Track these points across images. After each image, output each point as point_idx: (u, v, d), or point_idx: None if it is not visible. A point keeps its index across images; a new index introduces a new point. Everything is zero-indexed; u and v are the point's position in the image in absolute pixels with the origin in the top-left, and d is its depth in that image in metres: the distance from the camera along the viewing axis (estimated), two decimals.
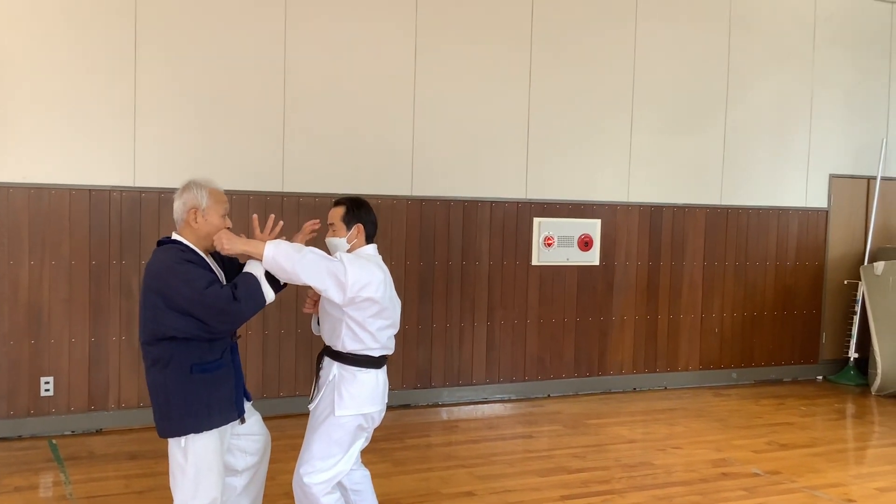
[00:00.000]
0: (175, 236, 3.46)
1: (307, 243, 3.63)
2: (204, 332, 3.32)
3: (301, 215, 6.29)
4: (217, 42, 6.12)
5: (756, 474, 5.43)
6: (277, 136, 6.32)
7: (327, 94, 6.46)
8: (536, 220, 7.22)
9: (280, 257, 3.38)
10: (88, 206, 5.84)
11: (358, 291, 3.48)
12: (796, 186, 8.26)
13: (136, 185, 5.95)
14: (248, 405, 3.67)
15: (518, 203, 7.16)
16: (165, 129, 5.99)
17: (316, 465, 3.61)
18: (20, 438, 5.71)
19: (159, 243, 3.49)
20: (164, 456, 5.35)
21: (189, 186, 3.46)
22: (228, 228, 3.52)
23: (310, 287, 3.55)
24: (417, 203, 6.79)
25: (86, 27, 5.76)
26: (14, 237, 5.65)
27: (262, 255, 3.40)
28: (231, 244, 3.42)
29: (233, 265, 3.71)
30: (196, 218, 3.42)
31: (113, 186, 5.89)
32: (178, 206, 3.46)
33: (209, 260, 3.49)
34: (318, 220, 3.79)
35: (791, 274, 8.32)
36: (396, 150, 6.70)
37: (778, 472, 5.47)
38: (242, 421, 3.59)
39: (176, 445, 3.42)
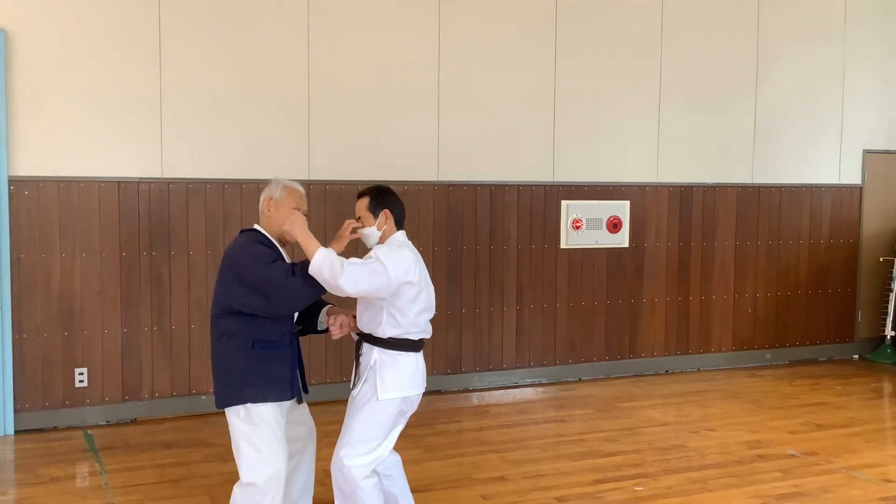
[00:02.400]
0: (256, 226, 3.76)
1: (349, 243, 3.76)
2: (266, 307, 3.52)
3: (327, 203, 6.29)
4: (241, 31, 6.12)
5: (792, 455, 5.37)
6: (302, 124, 6.31)
7: (351, 80, 6.44)
8: (564, 203, 7.16)
9: (325, 267, 3.45)
10: (117, 199, 5.87)
11: (402, 280, 3.58)
12: (829, 163, 8.12)
13: (164, 176, 5.97)
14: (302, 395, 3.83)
15: (545, 186, 7.10)
16: (192, 119, 6.01)
17: (356, 448, 3.64)
18: (56, 429, 5.78)
19: (241, 231, 3.79)
20: (198, 444, 5.46)
21: (271, 181, 3.79)
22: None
23: (335, 316, 3.77)
24: (444, 188, 6.76)
25: (111, 20, 5.78)
26: (45, 230, 5.71)
27: (311, 255, 3.48)
28: (293, 227, 3.59)
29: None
30: (270, 207, 3.71)
31: (141, 178, 5.92)
32: (262, 197, 3.76)
33: (283, 251, 3.72)
34: (353, 221, 3.82)
35: (825, 252, 8.19)
36: (421, 135, 6.68)
37: (814, 453, 5.40)
38: (300, 401, 3.78)
39: (235, 415, 3.58)
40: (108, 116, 5.81)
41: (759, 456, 5.35)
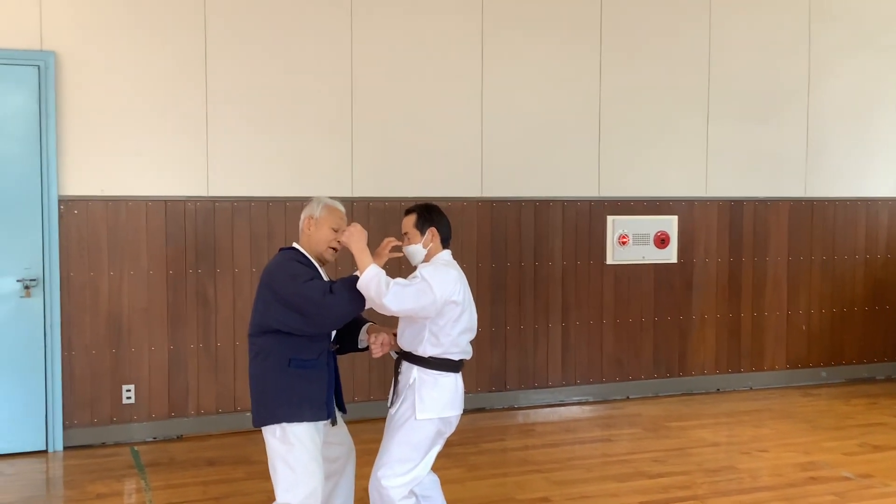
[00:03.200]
0: (294, 245, 3.78)
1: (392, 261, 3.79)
2: (304, 325, 3.52)
3: (371, 220, 6.29)
4: (284, 49, 6.17)
5: (847, 478, 5.19)
6: (346, 142, 6.33)
7: (394, 96, 6.44)
8: (610, 219, 7.06)
9: (372, 284, 3.47)
10: (164, 217, 5.95)
11: (447, 300, 3.57)
12: (885, 175, 7.89)
13: (210, 195, 6.03)
14: (338, 414, 3.81)
15: (591, 201, 7.01)
16: (237, 138, 6.07)
17: (395, 469, 3.61)
18: (103, 445, 5.85)
19: (280, 249, 3.81)
20: (242, 462, 5.47)
21: (312, 200, 3.82)
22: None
23: (376, 334, 3.76)
24: (488, 204, 6.72)
25: (158, 41, 5.87)
26: (94, 249, 5.80)
27: (363, 269, 3.50)
28: (350, 239, 3.61)
29: None
30: (310, 226, 3.73)
31: (187, 197, 5.99)
32: (302, 215, 3.79)
33: (321, 270, 3.72)
34: (393, 239, 3.84)
35: (882, 267, 7.94)
36: (465, 150, 6.65)
37: (870, 476, 5.21)
38: (333, 423, 3.74)
39: (271, 435, 3.58)
40: (155, 136, 5.89)
41: (813, 478, 5.18)
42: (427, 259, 3.75)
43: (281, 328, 3.55)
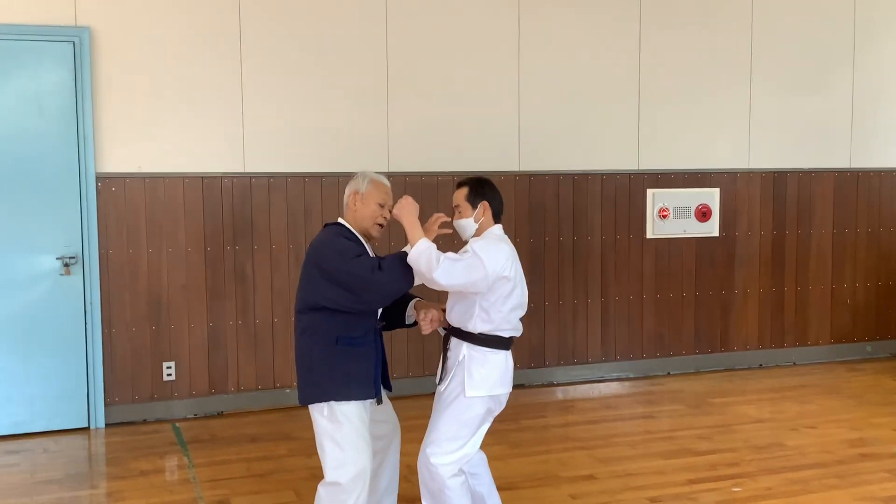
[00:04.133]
0: (339, 220, 3.70)
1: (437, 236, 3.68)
2: (352, 302, 3.46)
3: (407, 194, 6.19)
4: (320, 24, 6.08)
5: None
6: (382, 116, 6.25)
7: (430, 70, 6.34)
8: (650, 192, 6.93)
9: (423, 258, 3.41)
10: (201, 194, 5.91)
11: (498, 275, 3.49)
12: None
13: (247, 170, 5.99)
14: (384, 392, 3.76)
15: (630, 174, 6.89)
16: (272, 114, 6.01)
17: (444, 447, 3.55)
18: (145, 422, 5.87)
19: (325, 225, 3.73)
20: (283, 438, 5.46)
21: (357, 175, 3.72)
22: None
23: (426, 310, 3.69)
24: (526, 178, 6.61)
25: (192, 15, 5.81)
26: (132, 227, 5.78)
27: (414, 243, 3.44)
28: (401, 211, 3.55)
29: None
30: (356, 201, 3.64)
31: (224, 173, 5.95)
32: (346, 192, 3.70)
33: (367, 246, 3.64)
34: (442, 215, 3.75)
35: None
36: (502, 124, 6.54)
37: None
38: (379, 401, 3.68)
39: (319, 413, 3.53)
40: (192, 112, 5.85)
41: (863, 455, 5.07)
42: (478, 233, 3.66)
43: (328, 305, 3.49)
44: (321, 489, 3.56)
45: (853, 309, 7.57)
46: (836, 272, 7.48)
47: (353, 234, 3.62)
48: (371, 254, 3.64)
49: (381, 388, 3.70)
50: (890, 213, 7.59)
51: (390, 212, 3.66)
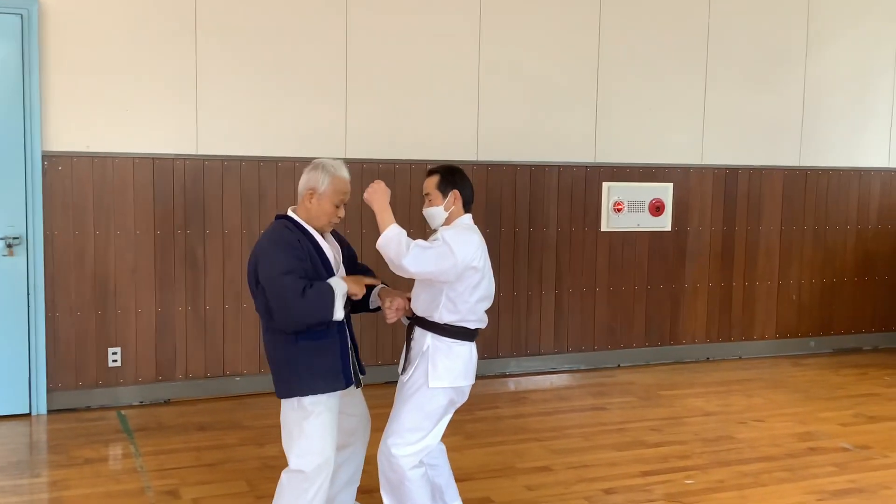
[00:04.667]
0: (290, 212, 3.55)
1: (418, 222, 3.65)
2: (272, 318, 3.38)
3: (364, 181, 6.05)
4: (277, 7, 5.95)
5: (845, 449, 5.18)
6: (340, 102, 6.15)
7: (390, 56, 6.26)
8: (606, 185, 6.96)
9: (392, 244, 3.37)
10: (152, 176, 5.75)
11: (467, 265, 3.44)
12: (879, 145, 7.85)
13: (200, 153, 5.84)
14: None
15: (587, 167, 6.91)
16: (227, 96, 5.87)
17: (405, 437, 3.51)
18: (89, 409, 5.70)
19: (276, 217, 3.58)
20: (233, 427, 5.35)
21: (316, 167, 3.51)
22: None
23: (391, 298, 3.60)
24: (483, 168, 6.58)
25: None
26: (79, 207, 5.60)
27: (384, 229, 3.40)
28: (372, 196, 3.49)
29: (351, 255, 3.73)
30: (311, 198, 3.48)
31: (176, 155, 5.80)
32: (302, 181, 3.52)
33: (319, 238, 3.50)
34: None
35: (873, 238, 7.93)
36: (461, 113, 6.50)
37: (868, 447, 5.21)
38: (358, 384, 3.62)
39: (289, 406, 3.48)
40: (144, 92, 5.68)
41: (812, 449, 5.17)
42: (448, 222, 3.61)
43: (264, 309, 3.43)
44: (284, 476, 3.49)
45: (798, 305, 7.72)
46: (782, 269, 7.62)
47: (302, 229, 3.48)
48: (323, 248, 3.51)
49: (355, 374, 3.62)
50: (836, 211, 7.75)
51: (362, 202, 3.57)
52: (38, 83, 5.39)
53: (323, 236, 3.55)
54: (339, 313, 3.37)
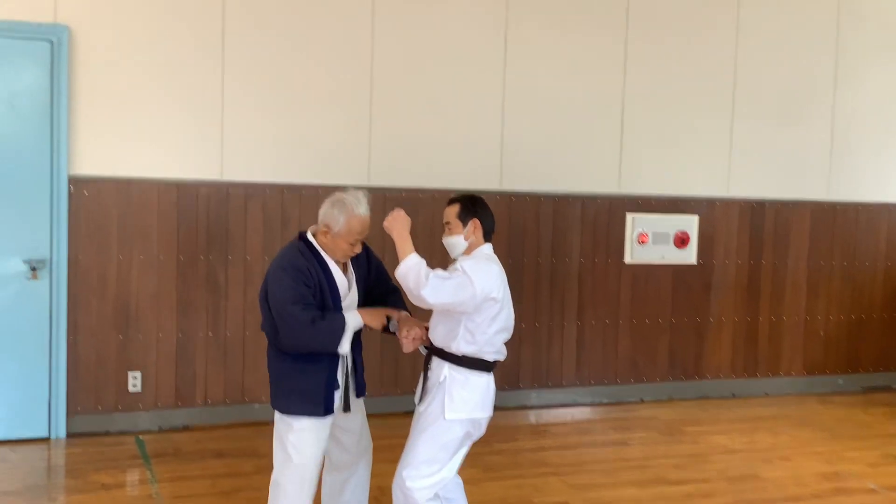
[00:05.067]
0: (310, 235, 3.58)
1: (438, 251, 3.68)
2: (278, 338, 3.47)
3: (387, 209, 6.08)
4: (304, 33, 6.00)
5: (873, 490, 5.05)
6: (364, 130, 6.17)
7: (414, 86, 6.28)
8: (630, 216, 6.91)
9: (412, 274, 3.36)
10: (176, 201, 5.78)
11: (487, 296, 3.42)
12: None
13: (224, 179, 5.87)
14: (358, 402, 3.74)
15: (611, 198, 6.86)
16: (252, 123, 5.90)
17: (421, 470, 3.47)
18: (107, 434, 5.69)
19: (298, 235, 3.63)
20: (250, 455, 5.31)
21: (335, 203, 3.50)
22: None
23: (409, 327, 3.56)
24: (507, 198, 6.56)
25: (175, 19, 5.70)
26: (103, 231, 5.64)
27: (403, 258, 3.39)
28: (392, 224, 3.48)
29: (377, 270, 3.77)
30: (326, 235, 3.52)
31: (200, 181, 5.82)
32: (321, 213, 3.54)
33: (332, 266, 3.52)
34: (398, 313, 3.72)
35: None
36: (485, 143, 6.49)
37: None
38: (347, 409, 3.63)
39: (278, 417, 3.60)
40: (170, 118, 5.73)
41: (838, 489, 5.05)
42: (468, 252, 3.59)
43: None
44: (271, 482, 3.64)
45: (825, 341, 7.59)
46: (809, 304, 7.50)
47: (317, 254, 3.52)
48: (333, 275, 3.54)
49: (351, 397, 3.66)
50: (865, 246, 7.64)
51: (382, 232, 3.62)
52: (66, 109, 5.45)
53: (338, 262, 3.58)
54: (345, 347, 3.44)
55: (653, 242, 6.96)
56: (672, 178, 7.01)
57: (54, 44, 5.41)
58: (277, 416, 3.60)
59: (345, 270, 3.65)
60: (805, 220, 7.43)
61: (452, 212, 3.60)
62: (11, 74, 5.38)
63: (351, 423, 3.72)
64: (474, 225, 3.58)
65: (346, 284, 3.60)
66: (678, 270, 7.09)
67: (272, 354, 3.60)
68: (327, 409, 3.53)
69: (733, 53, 7.10)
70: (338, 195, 3.54)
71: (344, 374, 3.62)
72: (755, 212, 7.27)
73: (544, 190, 6.66)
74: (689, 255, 7.09)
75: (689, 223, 7.07)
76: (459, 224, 3.58)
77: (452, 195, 3.77)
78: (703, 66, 7.03)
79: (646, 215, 6.93)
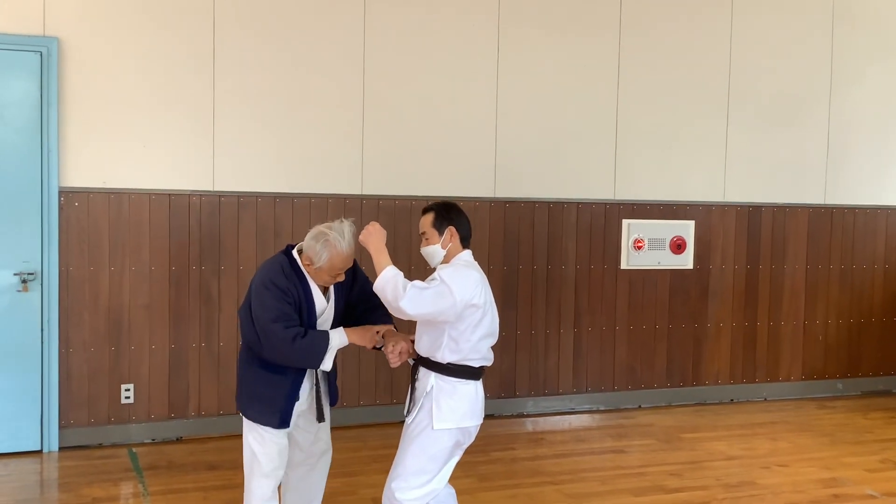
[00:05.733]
0: (295, 252, 3.62)
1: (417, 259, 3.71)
2: (259, 348, 3.55)
3: (381, 218, 6.09)
4: (295, 42, 5.98)
5: (872, 496, 5.00)
6: (356, 138, 6.14)
7: (407, 93, 6.25)
8: (626, 222, 6.87)
9: (389, 287, 3.34)
10: (168, 211, 5.75)
11: (467, 303, 3.39)
12: None
13: (216, 189, 5.84)
14: (327, 408, 3.82)
15: (606, 204, 6.82)
16: (244, 132, 5.88)
17: (410, 481, 3.43)
18: (100, 446, 5.65)
19: (286, 247, 3.68)
20: (242, 467, 5.25)
21: (318, 237, 3.51)
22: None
23: (394, 342, 3.57)
24: (501, 205, 6.52)
25: (165, 31, 5.68)
26: (94, 243, 5.61)
27: (380, 271, 3.37)
28: (367, 238, 3.46)
29: (365, 287, 3.76)
30: (308, 267, 3.58)
31: (192, 191, 5.80)
32: (305, 244, 3.57)
33: (313, 287, 3.57)
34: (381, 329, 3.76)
35: None
36: (478, 149, 6.46)
37: (895, 495, 5.03)
38: (321, 419, 3.74)
39: (243, 416, 3.75)
40: (160, 128, 5.70)
41: (836, 496, 5.00)
42: (447, 260, 3.55)
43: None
44: None
45: (825, 346, 7.54)
46: (808, 308, 7.46)
47: (300, 274, 3.57)
48: (313, 295, 3.60)
49: (325, 407, 3.76)
50: (863, 250, 7.60)
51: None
52: (56, 119, 5.43)
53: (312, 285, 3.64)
54: (327, 364, 3.49)
55: (649, 248, 6.92)
56: (668, 183, 6.98)
57: (44, 55, 5.39)
58: (245, 418, 3.72)
59: (325, 290, 3.68)
60: (802, 225, 7.39)
61: (427, 221, 3.58)
62: (1, 86, 5.36)
63: (310, 424, 3.79)
64: (450, 233, 3.55)
65: (323, 304, 3.64)
66: (675, 276, 7.05)
67: (242, 357, 3.71)
68: (283, 422, 3.61)
69: (727, 58, 7.08)
70: (322, 229, 3.53)
71: (313, 385, 3.68)
72: (752, 216, 7.23)
73: (539, 196, 6.62)
74: (686, 261, 7.06)
75: (686, 228, 7.03)
76: (435, 233, 3.55)
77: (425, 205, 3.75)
78: (697, 72, 7.01)
79: (642, 221, 6.90)
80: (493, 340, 3.57)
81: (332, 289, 3.68)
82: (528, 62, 6.55)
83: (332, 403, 3.84)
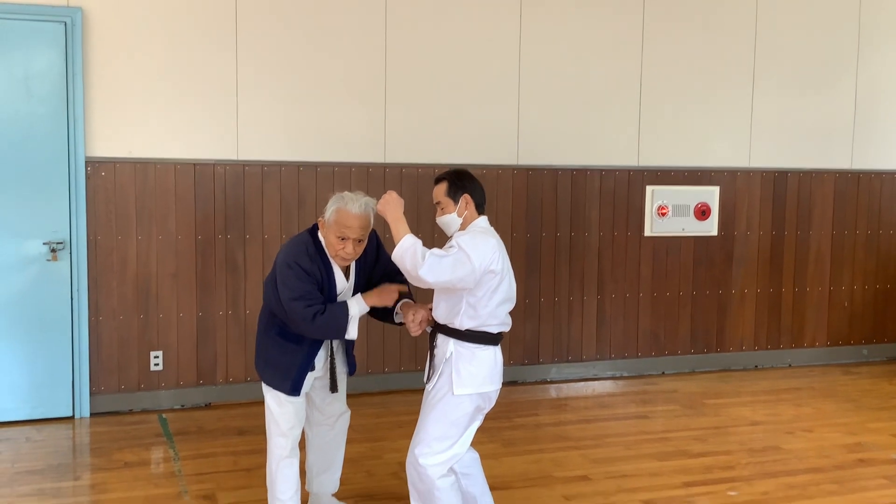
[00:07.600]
0: (320, 235, 3.68)
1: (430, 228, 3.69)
2: (287, 321, 3.66)
3: (403, 186, 6.11)
4: (317, 12, 5.96)
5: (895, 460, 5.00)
6: (379, 106, 6.14)
7: (430, 61, 6.23)
8: (649, 189, 6.84)
9: (408, 255, 3.34)
10: (193, 180, 5.80)
11: (486, 269, 3.39)
12: None
13: (240, 158, 5.87)
14: (343, 378, 3.95)
15: (630, 171, 6.79)
16: (268, 101, 5.89)
17: (432, 447, 3.46)
18: (131, 412, 5.76)
19: (313, 225, 3.74)
20: None
21: (335, 197, 3.62)
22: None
23: (414, 311, 3.62)
24: (524, 173, 6.51)
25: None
26: (121, 212, 5.66)
27: (399, 240, 3.39)
28: (385, 207, 3.48)
29: (388, 266, 3.78)
30: (322, 225, 3.65)
31: (217, 160, 5.83)
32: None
33: (334, 266, 3.65)
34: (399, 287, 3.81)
35: None
36: (501, 117, 6.43)
37: None
38: (334, 389, 3.86)
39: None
40: (185, 98, 5.73)
41: (861, 461, 5.00)
42: (463, 227, 3.55)
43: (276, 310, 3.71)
44: None
45: (850, 311, 7.50)
46: (834, 274, 7.41)
47: (320, 251, 3.64)
48: (336, 272, 3.67)
49: (339, 377, 3.86)
50: (890, 215, 7.52)
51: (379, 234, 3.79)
52: (81, 90, 5.47)
53: (333, 264, 3.69)
54: (352, 333, 3.56)
55: (673, 214, 6.89)
56: (692, 149, 6.92)
57: (67, 25, 5.42)
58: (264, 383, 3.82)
59: (346, 270, 3.72)
60: (828, 190, 7.32)
61: (441, 190, 3.56)
62: (27, 56, 5.40)
63: (325, 388, 3.88)
64: (465, 200, 3.54)
65: (343, 283, 3.71)
66: (699, 242, 7.02)
67: (262, 322, 3.81)
68: (294, 390, 3.70)
69: (753, 22, 6.98)
70: (342, 192, 3.64)
71: (328, 355, 3.76)
72: (777, 182, 7.17)
73: (562, 164, 6.60)
74: (711, 227, 7.02)
75: (710, 195, 6.99)
76: (450, 202, 3.54)
77: (437, 173, 3.75)
78: (722, 36, 6.92)
79: (665, 187, 6.86)
80: (511, 306, 3.58)
81: (352, 269, 3.72)
82: (552, 29, 6.50)
83: (351, 373, 3.97)
